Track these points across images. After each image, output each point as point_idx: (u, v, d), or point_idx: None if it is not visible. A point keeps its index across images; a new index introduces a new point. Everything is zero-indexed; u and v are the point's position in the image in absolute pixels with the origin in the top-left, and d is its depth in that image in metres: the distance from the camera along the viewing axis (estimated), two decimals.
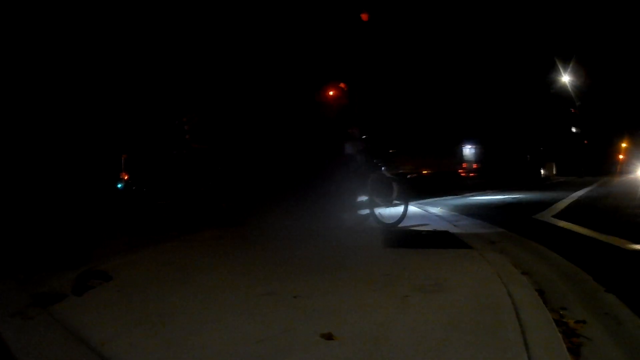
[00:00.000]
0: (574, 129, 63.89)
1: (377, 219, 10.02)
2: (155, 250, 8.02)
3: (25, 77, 14.72)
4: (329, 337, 3.60)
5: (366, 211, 10.18)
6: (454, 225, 10.15)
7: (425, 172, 28.28)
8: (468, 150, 32.26)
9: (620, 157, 64.26)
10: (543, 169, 55.71)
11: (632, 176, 46.88)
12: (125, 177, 15.19)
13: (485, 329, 3.62)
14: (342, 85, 10.80)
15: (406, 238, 8.45)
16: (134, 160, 15.66)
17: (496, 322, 3.77)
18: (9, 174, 14.13)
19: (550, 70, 49.76)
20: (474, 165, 32.56)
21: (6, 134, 14.20)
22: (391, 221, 9.96)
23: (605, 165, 65.02)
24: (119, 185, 15.71)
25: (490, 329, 3.62)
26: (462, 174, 30.94)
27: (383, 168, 11.33)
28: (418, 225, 10.17)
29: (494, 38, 37.85)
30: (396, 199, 10.64)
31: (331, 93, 10.57)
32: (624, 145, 65.50)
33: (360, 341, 3.52)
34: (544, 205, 15.05)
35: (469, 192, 23.93)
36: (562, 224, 10.45)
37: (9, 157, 14.42)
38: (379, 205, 10.31)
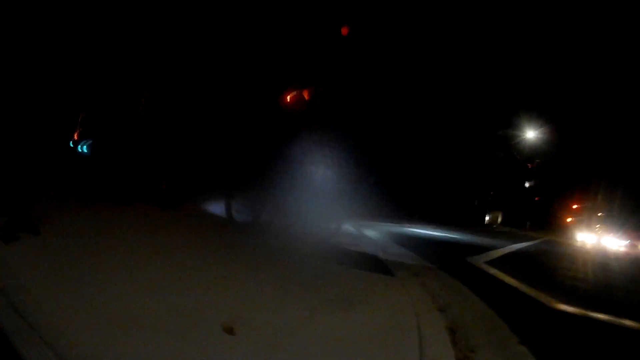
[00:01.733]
0: (527, 184, 65.01)
1: (311, 232, 9.84)
2: (85, 213, 7.89)
3: None
4: (230, 331, 3.52)
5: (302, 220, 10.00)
6: (384, 251, 10.05)
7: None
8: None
9: (570, 218, 65.34)
10: (488, 216, 56.38)
11: (579, 239, 47.55)
12: (77, 136, 14.85)
13: (386, 354, 3.59)
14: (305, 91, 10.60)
15: (333, 253, 8.26)
16: (90, 119, 15.34)
17: (399, 349, 3.72)
18: None
19: (518, 123, 50.62)
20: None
21: None
22: (322, 236, 9.78)
23: (552, 223, 66.17)
24: (70, 144, 15.37)
25: (391, 355, 3.59)
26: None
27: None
28: (348, 244, 10.06)
29: (456, 86, 38.29)
30: (333, 215, 10.49)
31: (289, 99, 10.37)
32: (575, 207, 66.68)
33: (262, 341, 3.46)
34: (481, 249, 15.13)
35: (410, 222, 23.98)
36: (493, 271, 10.40)
37: None
38: (313, 219, 10.14)
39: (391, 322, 4.44)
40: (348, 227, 12.90)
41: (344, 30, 18.68)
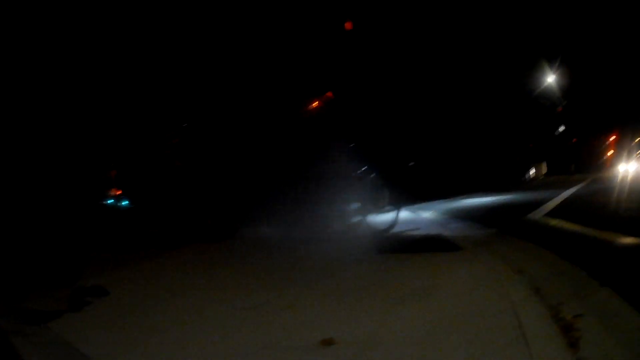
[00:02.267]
0: (561, 128, 64.02)
1: (370, 225, 10.04)
2: (146, 266, 8.03)
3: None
4: (329, 343, 3.62)
5: (359, 218, 10.17)
6: (446, 229, 10.14)
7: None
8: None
9: (610, 152, 64.18)
10: (534, 169, 55.78)
11: (621, 170, 46.95)
12: (117, 193, 15.16)
13: (486, 328, 3.64)
14: (329, 94, 10.78)
15: (398, 243, 8.46)
16: (124, 175, 15.63)
17: (495, 321, 3.79)
18: None
19: (535, 71, 49.86)
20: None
21: None
22: (383, 227, 9.98)
23: (595, 161, 64.99)
24: (110, 201, 15.67)
25: (490, 328, 3.63)
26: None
27: (373, 174, 11.38)
28: (410, 230, 10.17)
29: (479, 41, 37.87)
30: (388, 205, 10.68)
31: (315, 104, 10.54)
32: (612, 139, 65.41)
33: (357, 347, 3.53)
34: (536, 204, 15.03)
35: (460, 195, 23.97)
36: (554, 222, 10.44)
37: None
38: (370, 212, 10.33)
39: (478, 296, 4.57)
40: (405, 212, 13.04)
41: (348, 25, 18.73)
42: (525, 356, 3.06)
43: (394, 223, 10.09)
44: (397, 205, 10.44)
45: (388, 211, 10.76)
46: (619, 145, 62.51)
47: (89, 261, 8.61)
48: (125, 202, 15.14)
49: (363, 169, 10.77)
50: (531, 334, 3.38)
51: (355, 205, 10.82)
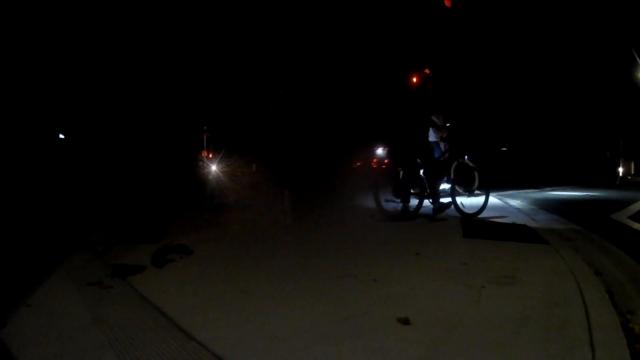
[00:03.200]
0: None
1: (459, 208, 10.19)
2: (232, 228, 8.47)
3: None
4: (405, 321, 3.84)
5: (448, 199, 10.33)
6: (532, 219, 10.20)
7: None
8: None
9: None
10: (621, 167, 54.15)
11: None
12: (209, 155, 15.65)
13: (555, 326, 3.78)
14: (426, 70, 10.88)
15: (485, 229, 8.63)
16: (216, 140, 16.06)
17: (566, 319, 3.92)
18: (99, 156, 14.85)
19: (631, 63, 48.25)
20: None
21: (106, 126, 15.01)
22: (471, 211, 10.13)
23: None
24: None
25: (559, 326, 3.77)
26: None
27: (466, 157, 11.47)
28: (497, 217, 10.30)
29: (574, 32, 37.01)
30: (478, 189, 10.81)
31: (415, 79, 10.65)
32: None
33: (435, 328, 3.74)
34: (622, 204, 14.81)
35: (549, 187, 23.73)
36: (638, 225, 10.41)
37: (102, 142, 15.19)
38: (460, 194, 10.46)
39: (554, 291, 4.70)
40: (493, 199, 13.10)
41: (448, 3, 18.76)
42: None
43: (482, 208, 10.23)
44: (487, 190, 10.53)
45: (477, 195, 10.87)
46: None
47: (174, 220, 9.01)
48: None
49: (457, 149, 10.90)
50: (598, 338, 3.49)
51: (446, 186, 10.99)
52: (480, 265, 5.81)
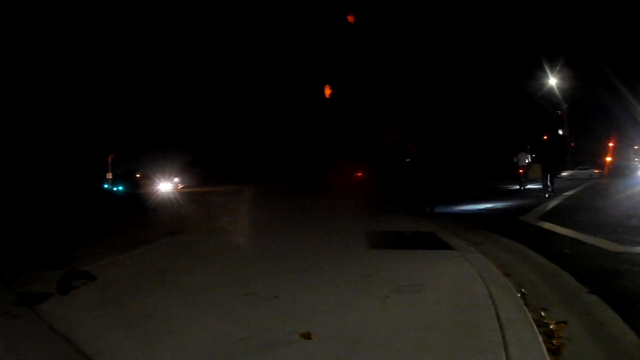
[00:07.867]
0: (560, 131, 63.81)
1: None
2: (142, 251, 8.09)
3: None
4: (307, 336, 3.60)
5: None
6: (439, 227, 10.06)
7: None
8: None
9: (608, 159, 64.00)
10: (529, 171, 55.90)
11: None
12: (110, 177, 15.37)
13: (465, 330, 3.63)
14: (545, 137, 11.75)
15: (390, 239, 8.42)
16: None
17: (475, 322, 3.78)
18: None
19: (537, 75, 50.02)
20: None
21: None
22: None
23: (592, 166, 64.87)
24: (105, 186, 15.79)
25: (469, 330, 3.62)
26: None
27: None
28: (408, 227, 10.08)
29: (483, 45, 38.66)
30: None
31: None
32: (611, 145, 65.16)
33: (339, 341, 3.53)
34: (530, 207, 15.02)
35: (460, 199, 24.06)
36: (547, 225, 10.44)
37: None
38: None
39: (462, 295, 4.55)
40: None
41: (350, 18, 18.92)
42: None
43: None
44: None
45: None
46: (617, 153, 62.62)
47: (80, 245, 8.63)
48: (119, 187, 15.30)
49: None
50: (511, 338, 3.37)
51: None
52: (386, 275, 5.57)
